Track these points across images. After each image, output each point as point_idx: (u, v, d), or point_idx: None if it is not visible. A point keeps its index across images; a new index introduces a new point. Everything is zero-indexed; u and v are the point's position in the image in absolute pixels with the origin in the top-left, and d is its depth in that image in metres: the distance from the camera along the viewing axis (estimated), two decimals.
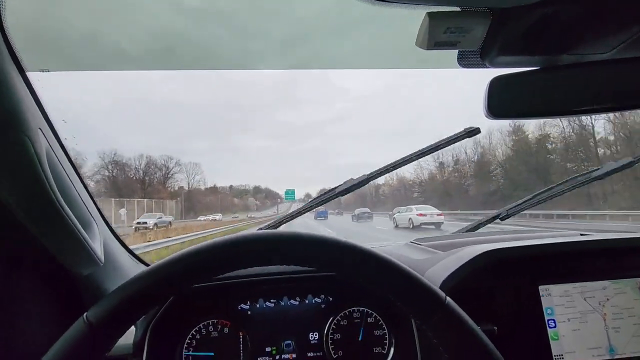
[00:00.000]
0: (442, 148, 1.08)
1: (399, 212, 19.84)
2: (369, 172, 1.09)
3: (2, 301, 0.69)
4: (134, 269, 0.95)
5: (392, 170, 1.08)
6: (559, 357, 0.76)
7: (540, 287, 0.80)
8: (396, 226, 18.89)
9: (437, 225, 17.19)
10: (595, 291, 0.81)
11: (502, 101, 0.69)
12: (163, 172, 50.10)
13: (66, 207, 0.55)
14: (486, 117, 0.71)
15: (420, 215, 17.50)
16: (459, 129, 1.08)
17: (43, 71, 0.58)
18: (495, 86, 0.68)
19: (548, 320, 0.78)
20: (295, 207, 1.23)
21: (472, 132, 1.08)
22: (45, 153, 0.51)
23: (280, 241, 0.41)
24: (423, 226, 16.94)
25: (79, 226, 0.58)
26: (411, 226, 17.46)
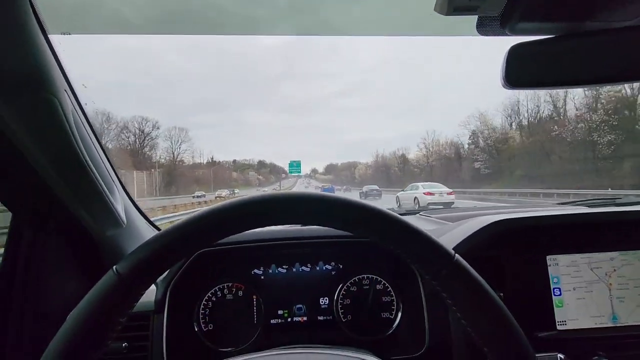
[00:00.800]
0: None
1: (403, 190, 18.56)
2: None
3: (32, 260, 0.73)
4: (149, 233, 0.99)
5: None
6: (562, 322, 0.79)
7: (548, 257, 0.81)
8: (399, 206, 17.51)
9: (447, 205, 16.05)
10: (603, 262, 0.82)
11: (522, 70, 0.68)
12: (137, 137, 41.03)
13: (94, 168, 0.57)
14: (503, 87, 0.70)
15: (428, 194, 15.80)
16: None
17: (64, 34, 0.59)
18: (515, 54, 0.67)
19: (554, 288, 0.80)
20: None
21: None
22: (72, 114, 0.53)
23: (302, 201, 0.43)
24: (431, 207, 16.03)
25: (105, 187, 0.60)
26: (417, 207, 16.51)
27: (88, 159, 0.55)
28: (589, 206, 1.19)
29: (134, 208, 0.95)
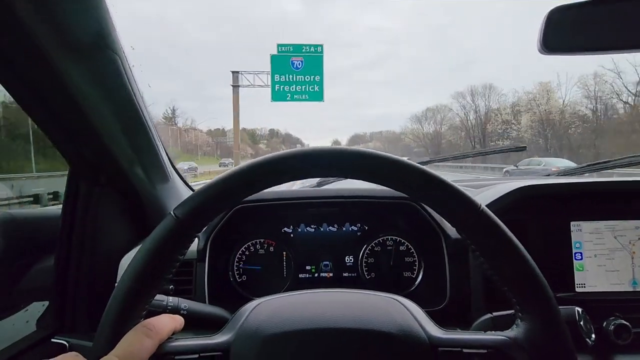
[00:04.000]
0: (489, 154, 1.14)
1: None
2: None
3: (87, 211, 0.81)
4: (185, 191, 1.06)
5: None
6: (581, 285, 0.82)
7: (572, 223, 0.83)
8: None
9: None
10: (627, 230, 0.83)
11: (561, 35, 0.66)
12: None
13: (150, 122, 0.62)
14: (540, 52, 0.69)
15: None
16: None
17: None
18: (555, 18, 0.65)
19: (575, 252, 0.83)
20: None
21: (519, 148, 1.34)
22: (131, 72, 0.57)
23: (335, 154, 0.46)
24: None
25: (158, 143, 0.66)
26: None
27: (145, 115, 0.60)
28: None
29: (172, 168, 1.02)
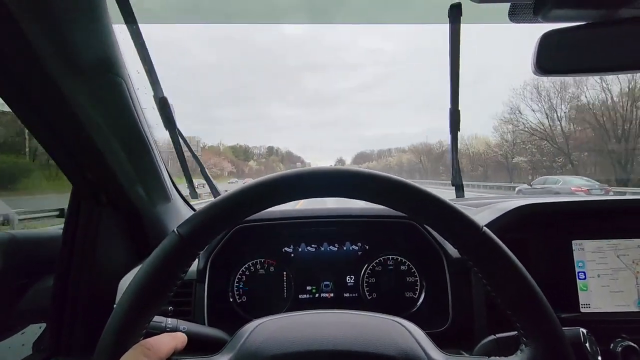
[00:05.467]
0: None
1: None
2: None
3: (88, 231, 0.82)
4: (186, 211, 1.06)
5: None
6: (585, 305, 0.80)
7: (574, 242, 0.83)
8: None
9: None
10: (630, 249, 0.83)
11: (554, 57, 0.68)
12: None
13: (152, 145, 0.63)
14: (534, 73, 0.71)
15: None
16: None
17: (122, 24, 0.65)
18: (547, 41, 0.67)
19: (578, 272, 0.82)
20: None
21: None
22: (136, 95, 0.59)
23: (335, 175, 0.46)
24: None
25: (160, 164, 0.67)
26: None
27: (148, 136, 0.61)
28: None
29: (174, 187, 1.03)
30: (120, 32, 0.65)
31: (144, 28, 0.77)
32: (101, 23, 0.50)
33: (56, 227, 0.91)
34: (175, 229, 0.44)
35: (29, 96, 0.56)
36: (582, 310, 0.81)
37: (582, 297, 0.81)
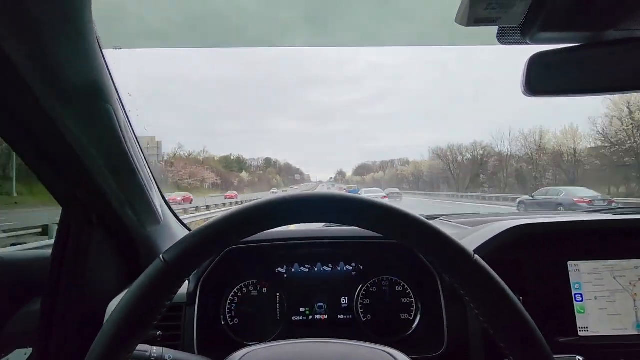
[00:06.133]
0: None
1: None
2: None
3: (78, 253, 0.81)
4: (180, 231, 1.05)
5: None
6: (583, 329, 0.79)
7: (569, 263, 0.81)
8: None
9: None
10: (626, 270, 0.81)
11: (543, 78, 0.68)
12: None
13: (140, 169, 0.63)
14: (524, 94, 0.71)
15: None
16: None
17: (116, 48, 0.66)
18: (536, 63, 0.68)
19: (575, 294, 0.80)
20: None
21: None
22: (123, 120, 0.59)
23: (325, 200, 0.46)
24: None
25: (147, 187, 0.66)
26: None
27: (136, 160, 0.61)
28: (614, 214, 1.17)
29: (167, 208, 1.02)
30: (112, 55, 0.66)
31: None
32: (89, 50, 0.50)
33: (45, 250, 0.90)
34: (160, 255, 0.43)
35: (16, 120, 0.56)
36: (580, 333, 0.79)
37: (580, 320, 0.79)
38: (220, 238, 0.45)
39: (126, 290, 0.44)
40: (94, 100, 0.54)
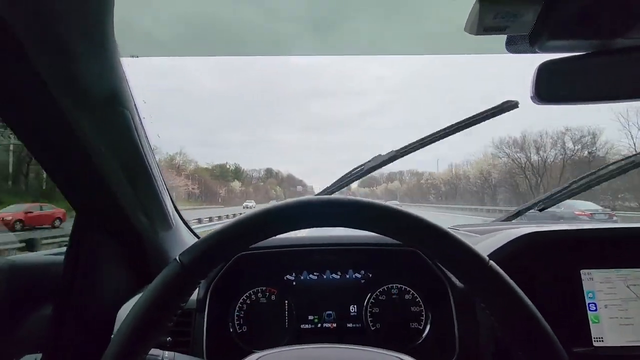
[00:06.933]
0: (479, 122, 1.02)
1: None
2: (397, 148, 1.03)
3: (90, 258, 0.81)
4: (189, 237, 1.06)
5: (427, 144, 1.02)
6: (598, 339, 0.77)
7: (582, 271, 0.80)
8: None
9: None
10: None
11: (552, 86, 0.69)
12: None
13: (155, 174, 0.64)
14: (533, 102, 0.71)
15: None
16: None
17: (133, 57, 0.68)
18: (545, 71, 0.68)
19: (589, 303, 0.79)
20: None
21: (511, 106, 1.01)
22: (140, 126, 0.60)
23: (356, 205, 0.46)
24: None
25: (162, 192, 0.67)
26: None
27: (151, 165, 0.63)
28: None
29: (177, 213, 1.03)
30: (129, 64, 0.68)
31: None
32: (109, 56, 0.52)
33: (56, 255, 0.91)
34: (177, 257, 0.44)
35: (38, 126, 0.58)
36: (595, 344, 0.77)
37: (595, 330, 0.78)
38: (238, 240, 0.46)
39: (140, 293, 0.45)
40: (113, 105, 0.55)
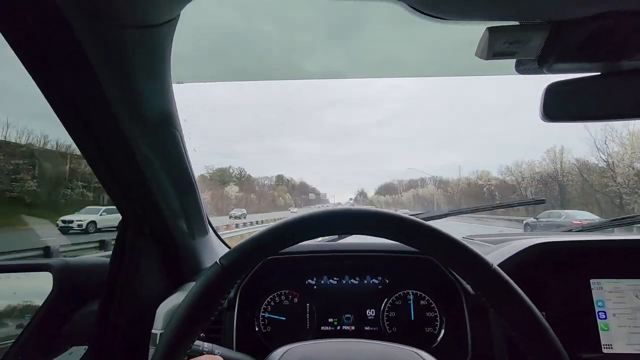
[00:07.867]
0: (506, 207, 1.31)
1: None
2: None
3: (132, 260, 0.90)
4: (218, 245, 1.14)
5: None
6: (607, 346, 0.80)
7: (592, 281, 0.84)
8: None
9: None
10: None
11: (559, 106, 0.73)
12: None
13: (196, 184, 0.72)
14: (542, 120, 0.76)
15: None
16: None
17: (179, 83, 0.77)
18: (552, 92, 0.72)
19: (599, 312, 0.82)
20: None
21: (539, 201, 1.43)
22: (186, 144, 0.69)
23: (376, 216, 0.52)
24: None
25: (201, 202, 0.76)
26: None
27: (194, 177, 0.71)
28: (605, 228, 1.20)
29: (208, 225, 1.11)
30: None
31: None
32: (165, 84, 0.61)
33: (104, 257, 1.01)
34: (217, 260, 0.51)
35: (98, 141, 0.67)
36: (605, 350, 0.80)
37: (604, 338, 0.81)
38: (270, 245, 0.52)
39: (177, 292, 0.52)
40: (166, 127, 0.64)
